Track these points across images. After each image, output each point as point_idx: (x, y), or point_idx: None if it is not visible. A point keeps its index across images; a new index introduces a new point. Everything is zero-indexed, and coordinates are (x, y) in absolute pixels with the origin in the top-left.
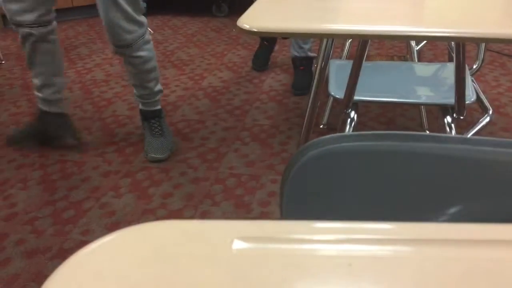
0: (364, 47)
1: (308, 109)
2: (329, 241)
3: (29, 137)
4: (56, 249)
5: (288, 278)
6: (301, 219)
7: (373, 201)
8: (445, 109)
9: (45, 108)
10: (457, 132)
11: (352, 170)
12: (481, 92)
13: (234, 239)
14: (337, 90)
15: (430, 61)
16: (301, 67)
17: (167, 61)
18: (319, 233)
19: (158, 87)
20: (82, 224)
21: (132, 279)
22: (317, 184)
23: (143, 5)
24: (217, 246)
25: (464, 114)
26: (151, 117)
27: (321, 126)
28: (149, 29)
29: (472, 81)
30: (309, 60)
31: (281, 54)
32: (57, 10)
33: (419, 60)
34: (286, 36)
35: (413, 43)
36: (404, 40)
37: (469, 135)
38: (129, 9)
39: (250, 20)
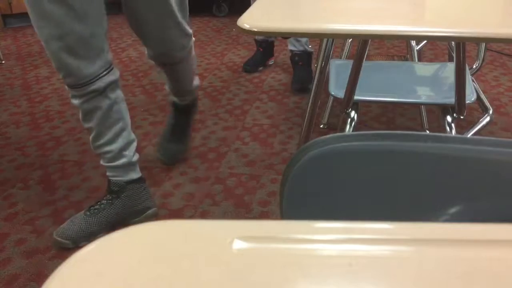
0: (364, 47)
1: (308, 109)
2: (329, 241)
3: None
4: (56, 249)
5: (288, 278)
6: (301, 219)
7: (373, 201)
8: (445, 109)
9: None
10: (457, 132)
11: (352, 170)
12: (481, 92)
13: (234, 239)
14: (337, 89)
15: (430, 60)
16: (300, 63)
17: None
18: (319, 233)
19: (196, 82)
20: None
21: (132, 279)
22: (317, 184)
23: None
24: (217, 246)
25: (464, 114)
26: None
27: (321, 126)
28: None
29: (472, 80)
30: (307, 56)
31: (281, 54)
32: None
33: (419, 60)
34: (286, 36)
35: (413, 42)
36: (404, 39)
37: (469, 134)
38: (182, 20)
39: (250, 20)
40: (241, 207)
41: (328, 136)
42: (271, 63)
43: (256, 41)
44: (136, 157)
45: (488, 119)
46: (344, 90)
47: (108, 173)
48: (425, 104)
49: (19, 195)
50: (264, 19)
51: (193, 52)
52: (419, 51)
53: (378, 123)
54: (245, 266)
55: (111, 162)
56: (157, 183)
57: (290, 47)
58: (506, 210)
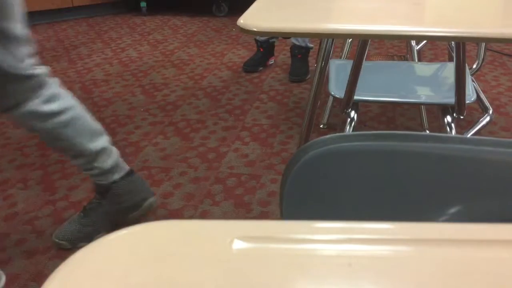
0: (364, 47)
1: (308, 109)
2: (329, 241)
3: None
4: (56, 249)
5: (288, 278)
6: (301, 219)
7: (373, 201)
8: (445, 109)
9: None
10: (457, 132)
11: (352, 170)
12: (481, 92)
13: (234, 239)
14: (337, 89)
15: (430, 60)
16: (299, 55)
17: (167, 60)
18: (319, 233)
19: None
20: None
21: (132, 279)
22: (317, 184)
23: (143, 4)
24: (217, 246)
25: (464, 114)
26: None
27: (321, 126)
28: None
29: (472, 80)
30: (306, 50)
31: (281, 54)
32: (57, 10)
33: (419, 60)
34: (286, 36)
35: (413, 42)
36: (404, 39)
37: (469, 134)
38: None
39: (250, 20)
40: (241, 207)
41: (328, 136)
42: (271, 62)
43: (256, 41)
44: (111, 163)
45: (488, 119)
46: (344, 90)
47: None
48: (425, 104)
49: (19, 195)
50: (264, 19)
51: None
52: (419, 51)
53: (378, 123)
54: (245, 266)
55: (85, 172)
56: (157, 183)
57: (294, 41)
58: (506, 210)
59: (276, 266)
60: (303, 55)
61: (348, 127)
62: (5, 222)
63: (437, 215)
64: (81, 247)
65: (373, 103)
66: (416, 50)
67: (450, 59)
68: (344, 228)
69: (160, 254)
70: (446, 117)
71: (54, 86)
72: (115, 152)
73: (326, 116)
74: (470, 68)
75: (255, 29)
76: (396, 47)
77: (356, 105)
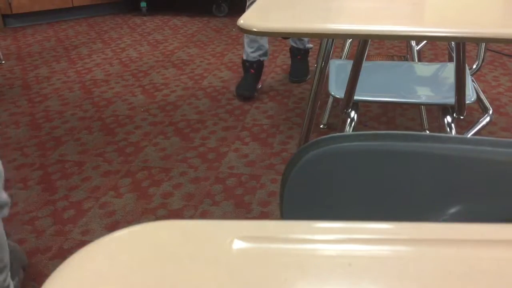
0: (364, 47)
1: (308, 109)
2: (329, 241)
3: None
4: (56, 249)
5: (288, 278)
6: (301, 219)
7: (373, 201)
8: (445, 109)
9: None
10: (457, 132)
11: (352, 170)
12: (481, 92)
13: (234, 239)
14: (337, 90)
15: (430, 61)
16: (298, 56)
17: (167, 61)
18: (319, 233)
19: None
20: (82, 224)
21: (132, 279)
22: (317, 184)
23: (143, 4)
24: (217, 246)
25: (464, 114)
26: None
27: (321, 126)
28: None
29: (472, 81)
30: (306, 51)
31: (281, 54)
32: (57, 10)
33: (419, 60)
34: (286, 36)
35: (413, 43)
36: (404, 40)
37: (469, 135)
38: None
39: (250, 20)
40: (241, 207)
41: (328, 136)
42: (259, 86)
43: (245, 62)
44: None
45: (488, 119)
46: (344, 90)
47: None
48: (425, 104)
49: (19, 195)
50: (264, 19)
51: None
52: (419, 51)
53: (378, 123)
54: (245, 266)
55: None
56: (157, 183)
57: (292, 43)
58: (506, 210)
59: (276, 266)
60: (303, 56)
61: (348, 127)
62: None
63: (437, 215)
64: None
65: (373, 103)
66: (416, 50)
67: (450, 59)
68: (344, 228)
69: (160, 254)
70: (446, 117)
71: None
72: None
73: (326, 116)
74: (470, 68)
75: (255, 29)
76: (396, 47)
77: (356, 105)
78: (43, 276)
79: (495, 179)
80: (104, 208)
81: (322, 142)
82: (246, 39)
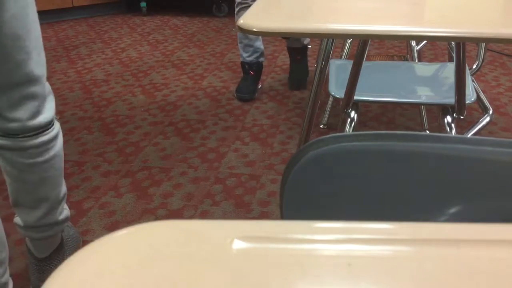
0: (364, 47)
1: (308, 109)
2: (329, 241)
3: None
4: None
5: (288, 278)
6: (301, 219)
7: (373, 201)
8: (445, 109)
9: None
10: (457, 132)
11: (352, 170)
12: (481, 92)
13: (234, 239)
14: (337, 90)
15: (430, 60)
16: (298, 57)
17: (167, 61)
18: (319, 233)
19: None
20: (82, 224)
21: (132, 279)
22: (317, 184)
23: (143, 4)
24: (217, 246)
25: (464, 114)
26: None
27: (321, 126)
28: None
29: (472, 80)
30: (304, 49)
31: (281, 54)
32: (57, 10)
33: (419, 60)
34: (286, 36)
35: (413, 43)
36: (404, 40)
37: (469, 135)
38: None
39: (250, 20)
40: (241, 207)
41: (328, 136)
42: (259, 87)
43: (244, 65)
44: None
45: (488, 119)
46: (344, 90)
47: None
48: (425, 104)
49: None
50: (264, 19)
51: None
52: (419, 51)
53: (378, 123)
54: (245, 266)
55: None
56: (157, 183)
57: (288, 44)
58: (506, 210)
59: (276, 266)
60: (301, 55)
61: (348, 127)
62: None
63: (437, 215)
64: None
65: (373, 103)
66: (416, 50)
67: (450, 59)
68: (344, 228)
69: (160, 254)
70: (446, 117)
71: None
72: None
73: (326, 116)
74: (470, 68)
75: (255, 29)
76: (396, 47)
77: (356, 105)
78: None
79: (495, 179)
80: (104, 208)
81: (322, 142)
82: (240, 44)
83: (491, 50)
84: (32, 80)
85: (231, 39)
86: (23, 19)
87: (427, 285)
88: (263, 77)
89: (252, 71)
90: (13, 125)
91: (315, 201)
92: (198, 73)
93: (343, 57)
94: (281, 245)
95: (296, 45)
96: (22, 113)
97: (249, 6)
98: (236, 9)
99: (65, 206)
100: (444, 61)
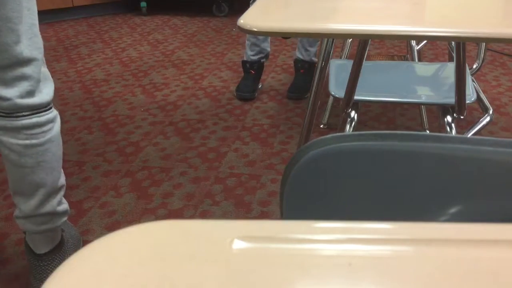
0: (365, 47)
1: (308, 109)
2: (329, 241)
3: None
4: None
5: (288, 278)
6: (301, 219)
7: (373, 201)
8: (445, 109)
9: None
10: (457, 132)
11: (352, 170)
12: (482, 92)
13: (234, 239)
14: (337, 89)
15: (431, 60)
16: (301, 70)
17: (167, 60)
18: (319, 233)
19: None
20: (82, 223)
21: (132, 279)
22: (317, 183)
23: (143, 4)
24: (217, 246)
25: (465, 114)
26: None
27: (321, 126)
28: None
29: (473, 80)
30: (311, 64)
31: (281, 54)
32: (57, 10)
33: (419, 60)
34: (286, 36)
35: (413, 42)
36: (404, 39)
37: (470, 134)
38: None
39: (250, 20)
40: (241, 207)
41: (328, 136)
42: (260, 86)
43: (245, 63)
44: None
45: (488, 119)
46: (344, 90)
47: None
48: (425, 104)
49: None
50: (264, 19)
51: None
52: (419, 51)
53: (378, 123)
54: (245, 266)
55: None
56: (157, 183)
57: (298, 55)
58: (506, 210)
59: (276, 266)
60: (306, 69)
61: (348, 127)
62: (5, 222)
63: (437, 215)
64: None
65: (373, 103)
66: (416, 50)
67: (450, 59)
68: (344, 228)
69: (160, 254)
70: (446, 117)
71: None
72: None
73: (326, 116)
74: (470, 68)
75: (255, 29)
76: (396, 47)
77: (356, 105)
78: None
79: (495, 179)
80: (104, 208)
81: (322, 142)
82: (248, 41)
83: (491, 50)
84: (22, 61)
85: (231, 39)
86: (16, 4)
87: (427, 285)
88: (263, 77)
89: (253, 70)
90: (5, 103)
91: (315, 201)
92: (198, 73)
93: (343, 57)
94: (281, 245)
95: (304, 57)
96: (13, 91)
97: None
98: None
99: (64, 200)
100: (444, 61)
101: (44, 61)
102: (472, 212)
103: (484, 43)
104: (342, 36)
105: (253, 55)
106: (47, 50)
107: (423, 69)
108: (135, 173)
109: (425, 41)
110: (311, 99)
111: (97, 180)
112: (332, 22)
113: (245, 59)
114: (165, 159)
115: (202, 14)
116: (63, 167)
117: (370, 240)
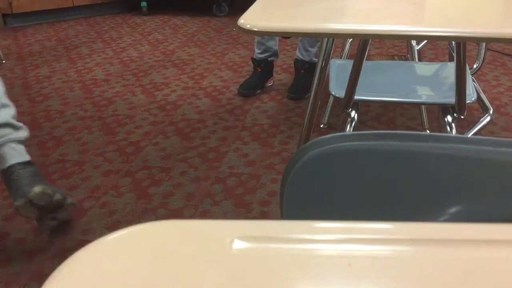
0: (365, 47)
1: (308, 109)
2: (329, 241)
3: None
4: (57, 248)
5: (288, 278)
6: (301, 219)
7: (373, 201)
8: (445, 109)
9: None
10: (457, 132)
11: (352, 170)
12: (482, 92)
13: (234, 239)
14: (337, 89)
15: (431, 60)
16: (302, 70)
17: (168, 60)
18: (319, 233)
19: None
20: (82, 223)
21: (132, 279)
22: (317, 183)
23: (143, 3)
24: (217, 246)
25: (465, 114)
26: None
27: (321, 126)
28: None
29: (473, 80)
30: (310, 65)
31: (281, 53)
32: (57, 10)
33: (419, 60)
34: (286, 35)
35: (413, 42)
36: (404, 39)
37: (470, 134)
38: None
39: (250, 20)
40: (241, 207)
41: (328, 136)
42: (270, 84)
43: (254, 60)
44: None
45: (488, 119)
46: (345, 90)
47: None
48: (425, 104)
49: None
50: (264, 19)
51: None
52: (419, 51)
53: (378, 122)
54: (245, 266)
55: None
56: (157, 183)
57: (298, 55)
58: (506, 210)
59: (276, 266)
60: (306, 70)
61: (348, 127)
62: (5, 222)
63: (437, 215)
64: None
65: (374, 103)
66: (417, 50)
67: (451, 59)
68: (344, 228)
69: (160, 254)
70: (446, 117)
71: None
72: None
73: (326, 116)
74: (471, 68)
75: (255, 29)
76: (396, 47)
77: (357, 105)
78: (44, 275)
79: (495, 179)
80: (105, 208)
81: (322, 142)
82: (256, 39)
83: (491, 50)
84: None
85: (231, 39)
86: None
87: (427, 285)
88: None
89: (259, 68)
90: None
91: (315, 201)
92: (198, 73)
93: (343, 57)
94: (281, 245)
95: (304, 57)
96: None
97: None
98: None
99: (24, 126)
100: (444, 60)
101: None
102: (472, 212)
103: (484, 43)
104: (342, 36)
105: (259, 53)
106: (47, 49)
107: (423, 69)
108: (135, 173)
109: (425, 41)
110: (311, 99)
111: (97, 180)
112: (332, 22)
113: (254, 56)
114: (165, 159)
115: (202, 14)
116: (63, 167)
117: (370, 240)
